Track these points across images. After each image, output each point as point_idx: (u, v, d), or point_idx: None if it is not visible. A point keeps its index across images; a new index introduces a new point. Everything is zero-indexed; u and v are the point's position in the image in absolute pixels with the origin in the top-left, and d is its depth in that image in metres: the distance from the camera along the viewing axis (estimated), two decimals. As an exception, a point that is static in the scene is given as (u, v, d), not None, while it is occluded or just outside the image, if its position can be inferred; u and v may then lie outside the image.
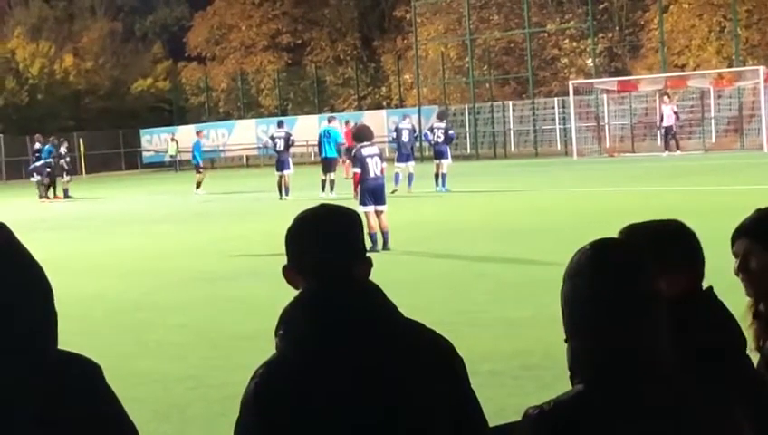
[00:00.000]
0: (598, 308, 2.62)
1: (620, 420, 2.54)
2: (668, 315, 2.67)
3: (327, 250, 3.03)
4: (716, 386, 2.75)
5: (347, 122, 44.41)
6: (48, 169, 42.44)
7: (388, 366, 2.90)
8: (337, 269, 3.01)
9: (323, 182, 34.03)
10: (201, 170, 41.67)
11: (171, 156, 64.63)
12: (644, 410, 2.55)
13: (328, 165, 34.44)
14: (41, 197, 42.06)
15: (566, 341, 2.68)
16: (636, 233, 3.30)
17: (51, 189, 42.80)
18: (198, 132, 46.84)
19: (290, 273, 3.09)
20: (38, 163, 42.80)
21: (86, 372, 2.43)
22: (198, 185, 40.77)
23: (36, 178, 42.63)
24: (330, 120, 37.56)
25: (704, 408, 2.63)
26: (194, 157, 42.52)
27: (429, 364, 2.99)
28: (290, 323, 2.97)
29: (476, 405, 3.09)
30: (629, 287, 2.62)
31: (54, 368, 2.37)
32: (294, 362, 2.90)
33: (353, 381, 2.86)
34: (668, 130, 46.88)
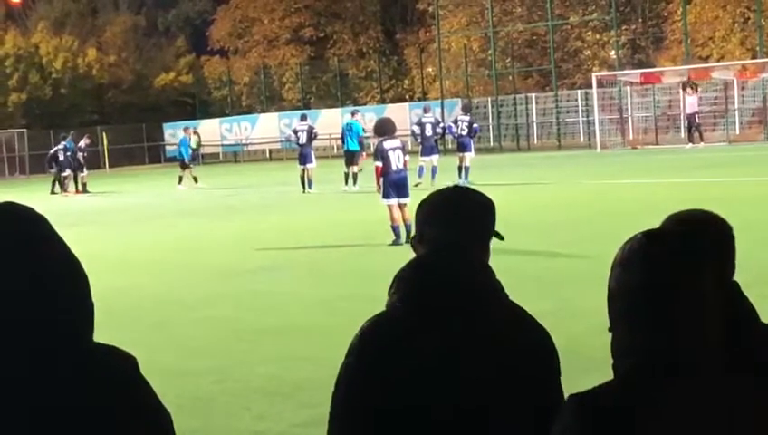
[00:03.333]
0: (645, 300, 2.57)
1: (663, 412, 2.51)
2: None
3: (449, 228, 3.26)
4: (762, 387, 2.70)
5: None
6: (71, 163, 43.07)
7: (485, 341, 3.07)
8: (455, 246, 3.22)
9: (346, 175, 34.08)
10: (188, 166, 42.07)
11: (194, 149, 64.77)
12: (687, 404, 2.52)
13: (350, 158, 34.47)
14: (65, 190, 42.60)
15: (610, 330, 2.66)
16: (671, 223, 3.27)
17: (69, 184, 43.29)
18: (186, 129, 46.94)
19: (417, 245, 3.33)
20: (61, 158, 43.16)
21: (124, 364, 2.46)
22: (181, 180, 41.61)
23: (66, 172, 43.11)
24: (353, 114, 37.55)
25: (746, 407, 2.60)
26: (179, 153, 42.92)
27: (524, 349, 3.13)
28: (402, 281, 3.16)
29: (560, 398, 3.11)
30: (681, 281, 2.57)
31: (93, 360, 2.40)
32: (400, 317, 3.10)
33: (451, 347, 3.03)
34: (692, 120, 46.69)
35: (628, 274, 2.62)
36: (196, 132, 63.67)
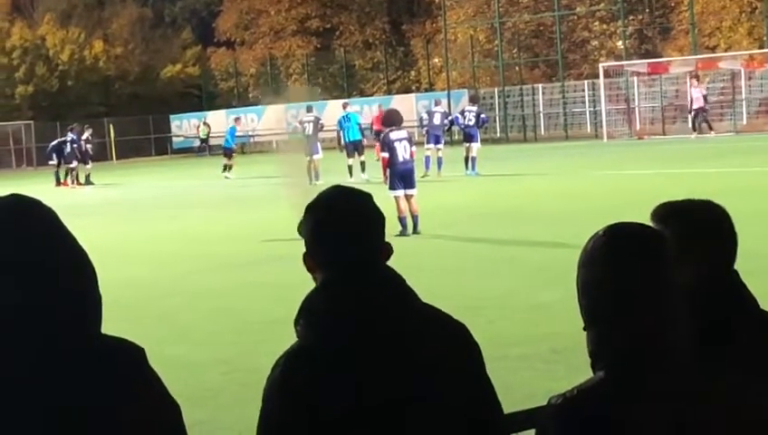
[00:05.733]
0: (612, 296, 2.57)
1: (641, 406, 2.50)
2: (692, 299, 2.63)
3: (347, 240, 2.98)
4: (739, 373, 2.69)
5: (379, 106, 45.24)
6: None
7: (408, 354, 2.90)
8: (355, 258, 2.97)
9: (350, 167, 34.12)
10: (232, 155, 42.32)
11: (202, 140, 65.09)
12: (663, 397, 2.51)
13: (355, 148, 34.57)
14: (72, 182, 42.86)
15: (584, 329, 2.66)
16: (667, 213, 3.19)
17: (69, 175, 43.52)
18: (236, 119, 47.47)
19: (309, 261, 3.06)
20: (68, 150, 43.39)
21: (133, 356, 2.46)
22: (230, 168, 41.47)
23: (73, 164, 43.29)
24: (345, 106, 37.60)
25: (724, 395, 2.59)
26: (227, 141, 43.15)
27: (446, 351, 2.98)
28: (312, 313, 2.95)
29: (492, 392, 3.09)
30: (644, 274, 2.56)
31: (103, 352, 2.40)
32: (319, 350, 2.89)
33: (375, 371, 2.86)
34: (698, 112, 46.60)
35: (591, 271, 2.61)
36: (206, 123, 64.27)
